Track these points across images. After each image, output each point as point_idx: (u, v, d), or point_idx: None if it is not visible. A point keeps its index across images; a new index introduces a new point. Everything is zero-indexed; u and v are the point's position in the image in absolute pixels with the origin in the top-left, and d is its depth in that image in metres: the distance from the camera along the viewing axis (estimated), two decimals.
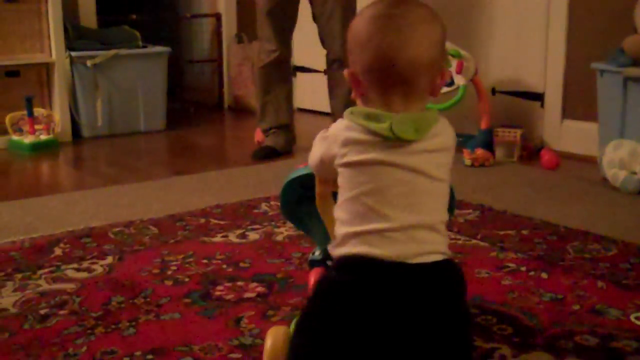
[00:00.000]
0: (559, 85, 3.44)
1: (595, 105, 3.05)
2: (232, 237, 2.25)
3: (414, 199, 1.12)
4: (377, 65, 1.14)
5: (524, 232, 2.28)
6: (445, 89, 3.40)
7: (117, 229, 2.33)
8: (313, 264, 1.59)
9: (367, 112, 1.15)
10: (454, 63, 3.39)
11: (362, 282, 1.09)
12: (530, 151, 3.39)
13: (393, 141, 1.12)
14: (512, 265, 1.99)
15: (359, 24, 1.18)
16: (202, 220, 2.42)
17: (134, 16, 4.77)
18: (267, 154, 3.51)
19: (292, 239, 2.23)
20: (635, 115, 2.80)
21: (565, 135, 3.44)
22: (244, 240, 2.22)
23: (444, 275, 1.12)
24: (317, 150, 1.26)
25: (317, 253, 1.60)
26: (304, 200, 1.55)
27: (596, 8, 3.27)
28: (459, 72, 3.37)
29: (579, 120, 3.39)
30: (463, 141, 3.42)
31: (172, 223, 2.40)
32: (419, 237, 1.11)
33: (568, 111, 3.44)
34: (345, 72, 1.22)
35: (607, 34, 3.22)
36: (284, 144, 3.59)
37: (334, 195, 1.27)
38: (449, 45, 3.40)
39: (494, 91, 3.66)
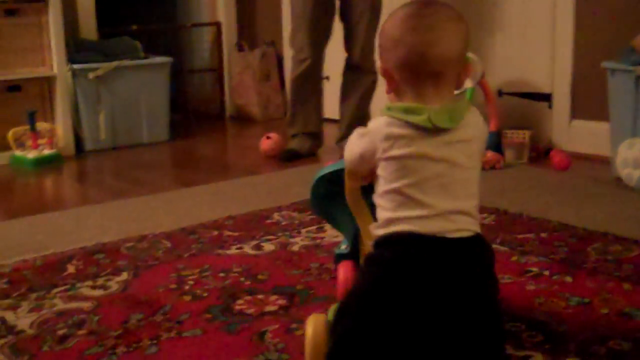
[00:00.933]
0: (567, 86, 3.41)
1: (604, 104, 3.02)
2: (247, 249, 2.21)
3: (450, 189, 1.23)
4: (410, 61, 1.25)
5: (543, 235, 2.25)
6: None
7: (130, 244, 2.29)
8: (340, 257, 1.71)
9: (405, 107, 1.25)
10: None
11: (404, 254, 1.20)
12: (540, 152, 3.36)
13: (431, 133, 1.23)
14: (534, 269, 1.96)
15: (392, 23, 1.29)
16: (215, 233, 2.39)
17: (135, 27, 4.74)
18: (290, 157, 3.54)
19: (309, 249, 2.19)
20: None
21: (574, 135, 3.41)
22: (259, 252, 2.19)
23: (476, 248, 1.23)
24: (357, 146, 1.32)
25: (344, 247, 1.70)
26: (333, 196, 1.60)
27: (603, 6, 3.25)
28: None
29: (588, 120, 3.36)
30: None
31: (184, 236, 2.37)
32: (455, 219, 1.22)
33: (577, 111, 3.41)
34: (379, 68, 1.32)
35: (614, 32, 3.20)
36: (309, 149, 3.61)
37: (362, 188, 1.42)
38: None
39: (500, 93, 3.63)
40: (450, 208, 1.22)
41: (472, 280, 1.20)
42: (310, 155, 3.58)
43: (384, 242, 1.24)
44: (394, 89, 1.31)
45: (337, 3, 3.47)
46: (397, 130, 1.25)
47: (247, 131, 4.64)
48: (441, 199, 1.22)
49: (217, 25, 5.07)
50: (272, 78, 4.86)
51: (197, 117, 5.09)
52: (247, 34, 5.09)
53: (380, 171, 1.28)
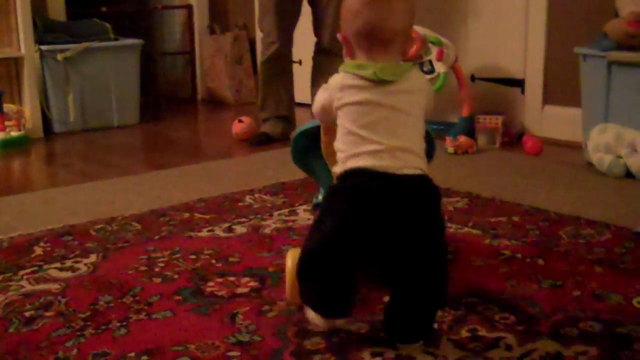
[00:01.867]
0: (540, 71, 3.42)
1: (576, 90, 3.03)
2: (219, 232, 2.19)
3: (395, 130, 1.44)
4: (365, 30, 1.47)
5: (515, 218, 2.25)
6: (426, 77, 3.37)
7: (99, 226, 2.26)
8: (317, 206, 1.87)
9: (356, 64, 1.49)
10: (434, 50, 3.35)
11: (358, 186, 1.41)
12: (512, 137, 3.37)
13: (377, 84, 1.45)
14: (507, 252, 1.96)
15: (355, 2, 1.49)
16: (186, 215, 2.36)
17: (104, 8, 4.67)
18: (262, 141, 3.54)
19: (280, 231, 2.17)
20: (619, 99, 2.79)
21: (546, 120, 3.42)
22: (231, 234, 2.16)
23: (419, 183, 1.43)
24: (319, 100, 1.54)
25: (321, 197, 1.86)
26: (311, 150, 1.80)
27: None
28: (439, 59, 3.34)
29: (560, 105, 3.37)
30: (445, 129, 3.40)
31: (155, 218, 2.33)
32: (400, 156, 1.42)
33: (549, 97, 3.42)
34: (339, 35, 1.53)
35: (586, 18, 3.21)
36: (281, 132, 3.60)
37: None
38: (429, 33, 3.36)
39: (473, 78, 3.63)
40: (397, 145, 1.42)
41: (415, 210, 1.41)
42: (282, 139, 3.56)
43: (342, 177, 1.45)
44: (351, 54, 1.53)
45: None
46: (349, 81, 1.47)
47: (219, 115, 4.60)
48: (388, 138, 1.42)
49: (189, 7, 5.02)
50: (244, 61, 4.82)
51: (168, 100, 5.04)
52: (219, 17, 5.04)
53: (338, 120, 1.48)
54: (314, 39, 3.54)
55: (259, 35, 4.30)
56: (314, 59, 3.55)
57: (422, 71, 3.37)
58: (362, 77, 1.46)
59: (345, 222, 1.40)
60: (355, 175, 1.42)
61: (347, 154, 1.44)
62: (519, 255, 1.93)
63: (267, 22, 3.48)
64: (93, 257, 1.99)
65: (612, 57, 2.77)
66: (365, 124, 1.44)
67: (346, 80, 1.47)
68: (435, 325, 1.52)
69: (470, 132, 3.30)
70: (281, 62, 3.55)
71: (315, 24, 3.48)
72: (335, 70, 1.52)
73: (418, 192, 1.42)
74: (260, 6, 3.56)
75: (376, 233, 1.40)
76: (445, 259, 1.48)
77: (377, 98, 1.44)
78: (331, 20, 3.39)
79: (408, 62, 1.57)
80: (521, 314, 1.58)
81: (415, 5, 1.52)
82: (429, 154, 1.58)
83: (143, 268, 1.90)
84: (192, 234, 2.17)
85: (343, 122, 1.47)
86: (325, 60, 3.44)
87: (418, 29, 3.35)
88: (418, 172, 1.43)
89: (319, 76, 3.45)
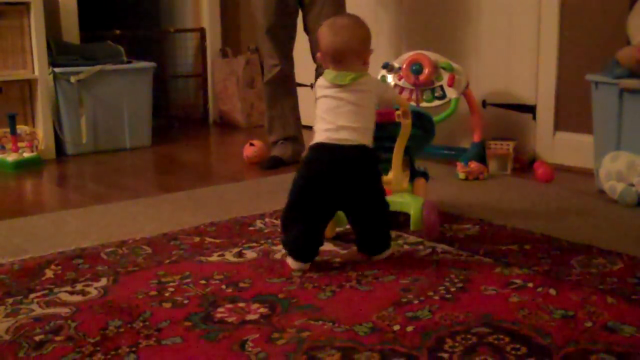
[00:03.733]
0: (551, 97, 3.42)
1: (587, 116, 3.03)
2: (229, 256, 2.19)
3: (344, 115, 2.08)
4: (327, 50, 2.13)
5: (527, 246, 2.24)
6: (437, 102, 3.37)
7: (110, 250, 2.26)
8: None
9: (327, 71, 2.14)
10: (445, 76, 3.36)
11: (316, 154, 2.09)
12: (523, 164, 3.36)
13: (335, 85, 2.11)
14: (518, 281, 1.95)
15: (320, 31, 2.16)
16: (197, 239, 2.36)
17: (118, 31, 4.71)
18: (274, 164, 3.55)
19: None
20: (632, 127, 2.78)
21: (558, 147, 3.42)
22: (241, 259, 2.16)
23: (356, 149, 2.06)
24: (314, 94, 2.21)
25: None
26: None
27: (588, 19, 3.26)
28: (450, 85, 3.34)
29: (572, 132, 3.37)
30: (456, 155, 3.40)
31: (165, 242, 2.34)
32: (346, 133, 2.06)
33: (560, 123, 3.42)
34: (318, 53, 2.18)
35: (598, 45, 3.21)
36: (291, 154, 3.61)
37: None
38: (441, 59, 3.37)
39: (485, 104, 3.63)
40: (343, 124, 2.07)
41: (353, 167, 2.05)
42: (293, 163, 3.57)
43: (310, 148, 2.12)
44: (326, 65, 2.16)
45: (298, 10, 3.52)
46: (321, 83, 2.15)
47: (230, 137, 4.62)
48: (338, 120, 2.07)
49: (201, 31, 5.05)
50: (255, 84, 4.84)
51: (180, 123, 5.06)
52: (231, 41, 5.07)
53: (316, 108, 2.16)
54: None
55: None
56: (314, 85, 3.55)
57: (434, 97, 3.37)
58: (327, 80, 2.13)
59: (306, 183, 2.07)
60: (313, 148, 2.10)
61: (316, 130, 2.12)
62: (531, 285, 1.92)
63: (266, 46, 3.55)
64: (103, 281, 1.99)
65: (624, 85, 2.77)
66: (325, 110, 2.11)
67: (320, 82, 2.16)
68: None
69: (482, 158, 3.30)
70: (284, 83, 3.59)
71: (313, 49, 3.48)
72: None
73: (355, 155, 2.06)
74: (258, 31, 3.62)
75: (329, 187, 2.05)
76: (382, 197, 2.14)
77: (334, 94, 2.10)
78: None
79: (363, 71, 2.14)
80: (533, 345, 1.57)
81: (368, 31, 2.16)
82: (428, 136, 2.49)
83: (153, 292, 1.89)
84: (202, 258, 2.17)
85: (317, 109, 2.14)
86: None
87: (429, 55, 3.36)
88: (356, 142, 2.06)
89: None
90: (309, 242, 2.08)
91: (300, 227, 2.06)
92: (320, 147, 2.08)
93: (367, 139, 2.09)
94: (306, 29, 3.53)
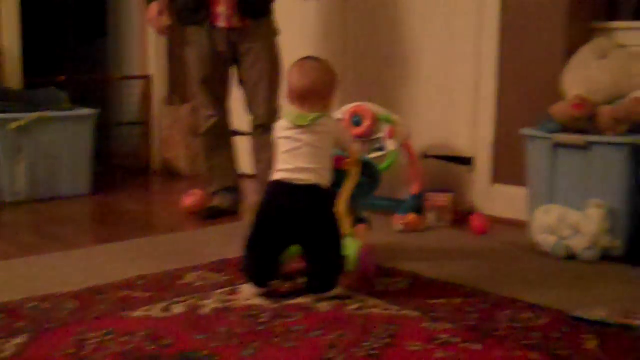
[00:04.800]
0: (489, 150, 3.46)
1: (524, 169, 3.07)
2: (156, 311, 2.15)
3: (302, 156, 2.23)
4: (293, 91, 2.30)
5: (456, 300, 2.25)
6: (377, 154, 3.38)
7: (33, 304, 2.20)
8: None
9: (288, 112, 2.31)
10: (385, 128, 3.37)
11: (274, 190, 2.27)
12: (461, 216, 3.39)
13: (296, 126, 2.25)
14: (444, 336, 1.95)
15: (291, 69, 2.34)
16: (125, 293, 2.32)
17: (62, 77, 4.67)
18: (213, 214, 3.52)
19: (219, 312, 2.14)
20: (564, 181, 2.83)
21: (496, 199, 3.45)
22: (167, 314, 2.12)
23: (311, 188, 2.22)
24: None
25: None
26: None
27: (524, 73, 3.32)
28: (390, 137, 3.35)
29: (509, 184, 3.41)
30: (394, 206, 3.41)
31: (92, 296, 2.29)
32: (302, 173, 2.22)
33: (497, 176, 3.46)
34: (286, 92, 2.34)
35: (534, 99, 3.27)
36: (231, 204, 3.59)
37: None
38: (380, 111, 3.40)
39: (424, 156, 3.67)
40: (301, 166, 2.22)
41: (307, 206, 2.21)
42: (233, 212, 3.55)
43: (269, 184, 2.28)
44: (291, 104, 2.30)
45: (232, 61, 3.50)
46: (282, 123, 2.31)
47: (173, 186, 4.58)
48: (296, 161, 2.23)
49: (147, 78, 5.04)
50: None
51: (122, 171, 5.01)
52: (178, 88, 5.06)
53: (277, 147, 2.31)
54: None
55: None
56: (253, 137, 3.53)
57: (374, 148, 3.39)
58: (288, 122, 2.27)
59: (262, 217, 2.26)
60: (271, 185, 2.28)
61: (276, 169, 2.27)
62: (456, 340, 1.92)
63: (201, 97, 3.53)
64: (21, 338, 1.93)
65: (557, 140, 2.82)
66: (286, 150, 2.26)
67: (281, 123, 2.31)
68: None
69: (420, 210, 3.31)
70: (221, 134, 3.58)
71: (248, 101, 3.48)
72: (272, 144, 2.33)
73: (309, 194, 2.21)
74: (192, 82, 3.60)
75: (283, 222, 2.22)
76: (336, 238, 2.24)
77: (294, 135, 2.25)
78: (265, 96, 3.41)
79: (323, 112, 2.29)
80: None
81: (334, 76, 2.34)
82: (373, 184, 2.63)
83: (71, 350, 1.84)
84: (128, 313, 2.13)
85: (277, 149, 2.30)
86: (265, 138, 3.33)
87: (370, 107, 3.39)
88: (311, 182, 2.21)
89: (261, 152, 3.42)
90: (264, 270, 2.28)
91: (257, 256, 2.26)
92: (277, 184, 2.25)
93: (323, 179, 2.25)
94: (240, 82, 3.51)
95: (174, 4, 3.46)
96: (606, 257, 2.71)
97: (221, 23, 3.37)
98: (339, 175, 2.41)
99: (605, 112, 2.77)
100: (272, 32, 3.47)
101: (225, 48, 3.41)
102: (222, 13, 3.35)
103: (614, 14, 3.27)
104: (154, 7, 3.47)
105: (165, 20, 3.49)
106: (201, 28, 3.40)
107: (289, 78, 2.32)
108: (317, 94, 2.27)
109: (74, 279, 2.49)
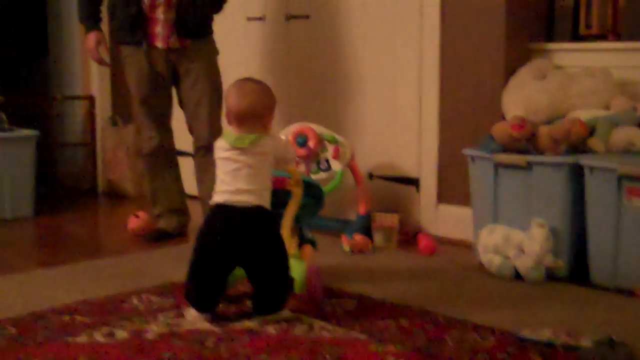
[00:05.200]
0: (433, 170, 3.48)
1: (468, 189, 3.10)
2: (98, 336, 2.10)
3: (242, 177, 2.23)
4: (231, 111, 2.29)
5: (403, 322, 2.25)
6: (322, 175, 3.39)
7: None
8: None
9: (226, 133, 2.31)
10: (330, 148, 3.39)
11: (214, 214, 2.26)
12: (408, 236, 3.40)
13: (234, 148, 2.25)
14: (391, 359, 1.95)
15: (229, 90, 2.33)
16: (67, 318, 2.27)
17: (2, 98, 4.57)
18: (158, 237, 3.46)
19: (164, 337, 2.11)
20: (506, 201, 2.87)
21: (441, 219, 3.48)
22: (110, 340, 2.08)
23: (252, 210, 2.23)
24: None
25: None
26: None
27: (466, 94, 3.36)
28: (335, 157, 3.37)
29: (454, 204, 3.44)
30: (341, 227, 3.41)
31: (33, 322, 2.23)
32: (242, 195, 2.22)
33: (442, 196, 3.48)
34: (225, 112, 2.33)
35: (476, 120, 3.30)
36: (176, 226, 3.54)
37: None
38: (325, 131, 3.41)
39: (371, 176, 3.68)
40: (241, 188, 2.22)
41: (249, 228, 2.21)
42: (179, 235, 3.51)
43: (210, 208, 2.28)
44: (230, 124, 2.30)
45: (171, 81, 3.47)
46: (220, 144, 2.30)
47: (118, 208, 4.51)
48: (236, 182, 2.23)
49: (91, 98, 4.97)
50: None
51: (67, 192, 4.92)
52: (121, 109, 4.99)
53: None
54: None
55: None
56: (195, 158, 3.49)
57: (319, 169, 3.39)
58: (227, 143, 2.26)
59: (204, 241, 2.26)
60: (212, 209, 2.27)
61: (216, 191, 2.27)
62: None
63: (142, 118, 3.47)
64: None
65: (498, 160, 2.86)
66: (225, 172, 2.26)
67: (220, 143, 2.30)
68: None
69: (367, 231, 3.32)
70: (164, 155, 3.52)
71: (189, 122, 3.44)
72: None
73: (250, 216, 2.22)
74: (132, 103, 3.53)
75: (225, 246, 2.21)
76: (282, 259, 2.26)
77: (233, 156, 2.24)
78: (206, 117, 3.36)
79: (262, 133, 2.28)
80: None
81: (273, 98, 2.35)
82: (318, 205, 2.62)
83: None
84: (70, 339, 2.09)
85: (217, 170, 2.29)
86: (208, 158, 3.21)
87: (314, 127, 3.40)
88: (252, 204, 2.22)
89: (204, 173, 3.38)
90: (207, 296, 2.26)
91: (200, 283, 2.24)
92: (219, 208, 2.24)
93: (264, 200, 2.25)
94: (180, 103, 3.46)
95: (111, 24, 3.42)
96: (551, 277, 2.74)
97: (159, 43, 3.32)
98: (284, 195, 2.41)
99: (545, 132, 2.81)
100: (211, 52, 3.44)
101: (164, 68, 3.38)
102: (160, 33, 3.30)
103: (551, 36, 3.35)
104: (92, 38, 3.43)
105: (103, 52, 3.45)
106: (139, 48, 3.34)
107: (227, 99, 2.31)
108: (255, 116, 2.27)
109: (15, 304, 2.43)
